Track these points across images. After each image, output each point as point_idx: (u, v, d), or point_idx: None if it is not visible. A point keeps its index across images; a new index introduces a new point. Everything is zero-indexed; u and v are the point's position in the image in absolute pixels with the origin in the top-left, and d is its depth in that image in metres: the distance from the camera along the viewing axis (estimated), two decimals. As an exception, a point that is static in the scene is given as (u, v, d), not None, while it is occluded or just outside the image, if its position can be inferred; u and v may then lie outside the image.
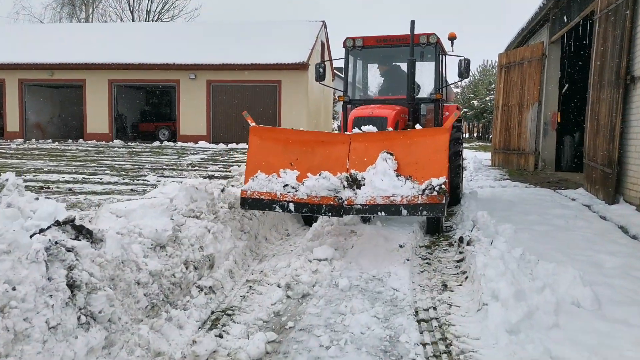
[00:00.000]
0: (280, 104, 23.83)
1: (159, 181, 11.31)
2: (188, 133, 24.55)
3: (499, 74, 16.43)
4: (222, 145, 22.69)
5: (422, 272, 4.77)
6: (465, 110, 45.95)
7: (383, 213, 4.67)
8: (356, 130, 5.73)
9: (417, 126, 5.74)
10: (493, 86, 45.46)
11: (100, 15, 46.45)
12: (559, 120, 14.00)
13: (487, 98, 45.31)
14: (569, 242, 5.30)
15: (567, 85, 14.04)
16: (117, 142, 24.28)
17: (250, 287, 4.39)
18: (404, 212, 4.60)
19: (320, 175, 4.91)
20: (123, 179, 11.44)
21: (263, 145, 5.25)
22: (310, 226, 6.00)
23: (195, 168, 14.39)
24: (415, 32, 6.56)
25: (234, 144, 22.99)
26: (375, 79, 8.40)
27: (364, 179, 4.87)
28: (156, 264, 3.70)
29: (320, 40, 26.75)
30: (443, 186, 4.57)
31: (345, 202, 4.77)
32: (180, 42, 25.22)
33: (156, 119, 28.65)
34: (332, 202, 4.77)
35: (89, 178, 11.57)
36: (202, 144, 23.24)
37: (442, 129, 4.99)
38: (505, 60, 15.99)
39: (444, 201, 4.55)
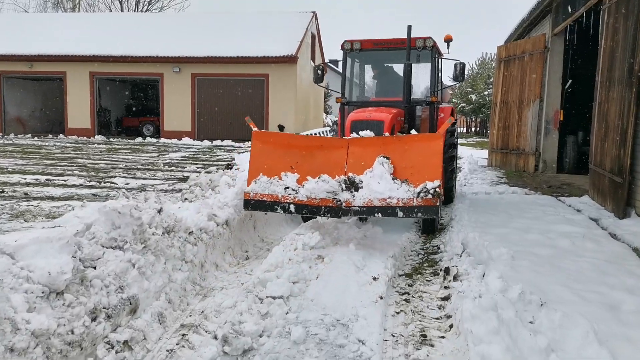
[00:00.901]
0: (268, 99, 22.94)
1: (127, 184, 10.47)
2: (172, 129, 23.65)
3: (498, 68, 15.55)
4: (206, 143, 21.82)
5: (397, 313, 3.94)
6: (463, 104, 45.11)
7: (380, 214, 4.93)
8: (354, 134, 5.85)
9: (413, 132, 6.10)
10: (492, 80, 44.61)
11: (88, 6, 45.37)
12: (561, 119, 13.15)
13: (486, 92, 44.43)
14: (577, 273, 4.46)
15: (570, 80, 13.19)
16: (98, 137, 23.37)
17: (183, 335, 3.55)
18: (400, 213, 4.86)
19: (319, 178, 5.14)
20: (89, 182, 10.58)
21: (265, 149, 5.48)
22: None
23: (172, 168, 13.54)
24: (411, 36, 6.77)
25: (219, 140, 22.12)
26: (372, 81, 8.63)
27: (362, 182, 5.11)
28: (44, 319, 2.86)
29: (310, 32, 25.83)
30: (437, 189, 4.78)
31: (344, 204, 5.03)
32: (164, 34, 24.28)
33: (141, 113, 27.72)
34: (330, 204, 5.03)
35: (53, 180, 10.71)
36: (186, 140, 22.35)
37: (436, 134, 5.17)
38: (505, 53, 15.12)
39: (438, 204, 4.76)
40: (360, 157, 5.30)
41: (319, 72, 7.93)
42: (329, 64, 49.53)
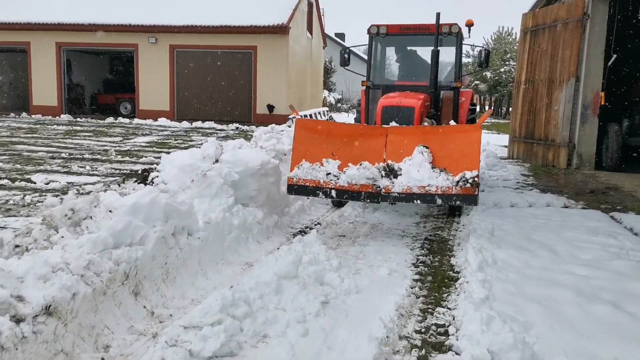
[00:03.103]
0: (256, 74, 20.65)
1: (48, 183, 8.39)
2: (148, 108, 21.47)
3: (522, 41, 13.21)
4: (185, 124, 19.64)
5: None
6: (477, 82, 42.62)
7: (419, 201, 5.29)
8: (392, 123, 6.09)
9: (452, 122, 6.93)
10: (509, 56, 41.99)
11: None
12: (602, 103, 10.88)
13: (502, 69, 41.96)
14: None
15: (615, 56, 10.85)
16: (64, 117, 21.23)
17: None
18: (439, 201, 5.19)
19: (360, 165, 5.44)
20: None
21: (307, 137, 5.72)
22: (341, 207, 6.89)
23: (126, 158, 11.44)
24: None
25: (200, 122, 19.92)
26: (397, 65, 8.84)
27: (401, 169, 5.43)
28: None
29: (306, 0, 23.40)
30: (476, 179, 5.08)
31: (383, 190, 5.34)
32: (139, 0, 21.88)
33: (118, 90, 25.49)
34: (370, 190, 5.34)
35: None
36: (162, 121, 20.17)
37: (475, 126, 5.54)
38: (532, 22, 12.76)
39: (476, 193, 5.06)
40: (398, 146, 5.61)
41: (345, 55, 8.27)
42: (335, 37, 46.61)
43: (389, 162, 5.54)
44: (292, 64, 21.28)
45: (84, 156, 11.46)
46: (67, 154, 11.71)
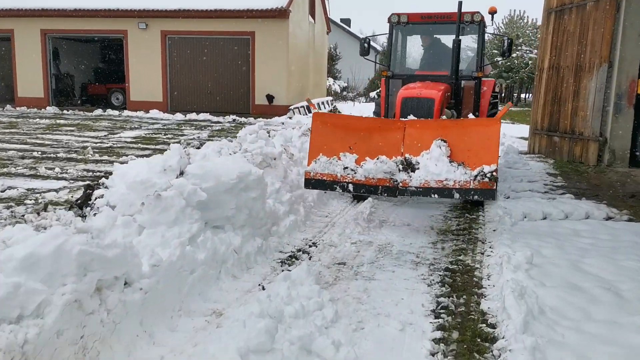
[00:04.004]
0: (254, 62, 19.52)
1: (4, 191, 7.36)
2: (140, 99, 20.39)
3: (546, 22, 12.01)
4: (179, 116, 18.57)
5: None
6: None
7: (436, 195, 5.26)
8: (409, 115, 6.22)
9: (470, 115, 6.77)
10: (521, 40, 40.56)
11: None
12: (638, 92, 9.72)
13: (514, 54, 40.58)
14: None
15: (654, 38, 9.65)
16: (50, 109, 20.21)
17: None
18: (457, 195, 5.16)
19: (377, 159, 5.45)
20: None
21: (324, 130, 5.78)
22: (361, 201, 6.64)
23: (104, 157, 10.40)
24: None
25: (194, 113, 18.83)
26: (417, 54, 8.78)
27: (418, 163, 5.44)
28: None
29: (308, -20, 22.21)
30: (494, 173, 5.06)
31: (400, 184, 5.34)
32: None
33: (109, 80, 24.39)
34: (387, 184, 5.34)
35: None
36: (154, 113, 19.09)
37: (494, 119, 5.51)
38: (557, 1, 11.55)
39: (494, 187, 5.07)
40: (416, 139, 5.60)
41: (365, 45, 8.21)
42: (340, 23, 45.41)
43: (407, 155, 5.58)
44: (293, 51, 20.12)
45: (58, 155, 10.43)
46: (39, 152, 10.67)
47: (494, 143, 5.23)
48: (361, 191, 5.54)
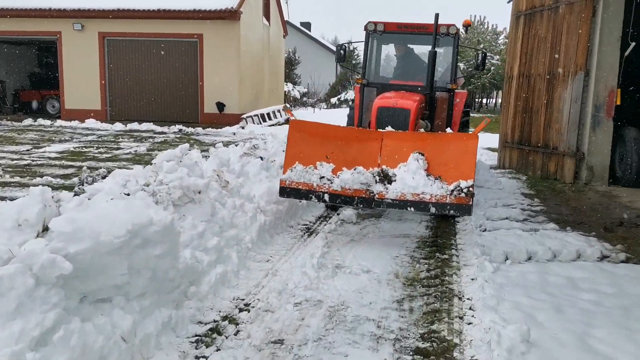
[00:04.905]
0: (203, 67, 18.23)
1: None
2: (75, 107, 18.78)
3: (515, 27, 11.24)
4: (118, 126, 17.08)
5: None
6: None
7: (412, 209, 5.28)
8: (387, 127, 6.27)
9: (448, 130, 7.01)
10: (482, 46, 40.47)
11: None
12: (617, 103, 8.98)
13: (473, 60, 40.42)
14: None
15: (633, 44, 8.93)
16: (-27, 119, 18.37)
17: None
18: (433, 209, 5.19)
19: (355, 169, 5.49)
20: None
21: (301, 138, 5.76)
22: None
23: (16, 178, 8.96)
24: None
25: (136, 123, 17.37)
26: (392, 63, 9.10)
27: (395, 175, 5.48)
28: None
29: (262, -20, 21.07)
30: (471, 189, 5.08)
31: (377, 196, 5.36)
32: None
33: (44, 86, 22.59)
34: (364, 195, 5.39)
35: None
36: (90, 123, 17.53)
37: (472, 134, 5.52)
38: (526, 4, 10.79)
39: (471, 203, 5.08)
40: (393, 151, 5.67)
41: (342, 51, 8.26)
42: (301, 27, 44.31)
43: (384, 167, 5.61)
44: (246, 55, 18.92)
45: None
46: None
47: (471, 158, 5.26)
48: (337, 201, 5.53)
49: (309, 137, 5.79)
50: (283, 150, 8.65)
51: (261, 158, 7.22)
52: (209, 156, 6.55)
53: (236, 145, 8.36)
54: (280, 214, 6.14)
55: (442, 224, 6.71)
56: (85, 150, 12.68)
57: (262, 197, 6.03)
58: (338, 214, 6.86)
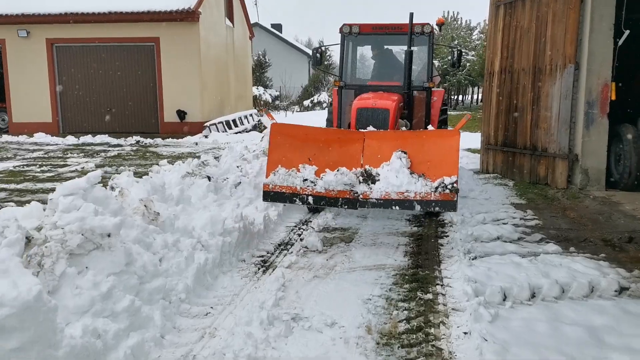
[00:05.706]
0: (160, 73, 17.04)
1: None
2: (24, 120, 17.42)
3: (494, 18, 10.34)
4: (70, 139, 15.81)
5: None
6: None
7: (397, 207, 5.37)
8: (368, 127, 6.28)
9: (430, 127, 7.23)
10: (456, 42, 39.84)
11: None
12: (613, 98, 8.13)
13: (449, 58, 39.77)
14: None
15: (627, 32, 8.06)
16: None
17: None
18: (417, 207, 5.30)
19: (338, 171, 5.54)
20: None
21: (283, 142, 5.80)
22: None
23: None
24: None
25: (90, 135, 16.11)
26: (369, 64, 9.28)
27: (379, 174, 5.52)
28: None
29: (222, -22, 19.94)
30: (455, 184, 5.19)
31: (361, 196, 5.44)
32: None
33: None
34: (348, 196, 5.45)
35: None
36: (40, 137, 16.23)
37: (453, 131, 5.53)
38: (506, -8, 9.91)
39: (455, 199, 5.19)
40: (376, 150, 5.68)
41: (318, 55, 8.39)
42: (271, 29, 43.13)
43: (367, 167, 5.64)
44: (207, 59, 17.78)
45: None
46: None
47: (454, 154, 5.29)
48: (321, 203, 5.59)
49: (291, 139, 5.81)
50: (238, 166, 7.65)
51: (209, 178, 6.15)
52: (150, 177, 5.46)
53: (183, 162, 7.27)
54: (229, 247, 5.08)
55: (423, 246, 5.73)
56: (27, 169, 11.44)
57: (204, 229, 4.98)
58: (301, 240, 5.85)
